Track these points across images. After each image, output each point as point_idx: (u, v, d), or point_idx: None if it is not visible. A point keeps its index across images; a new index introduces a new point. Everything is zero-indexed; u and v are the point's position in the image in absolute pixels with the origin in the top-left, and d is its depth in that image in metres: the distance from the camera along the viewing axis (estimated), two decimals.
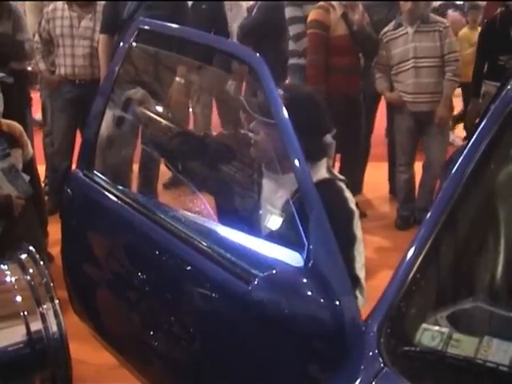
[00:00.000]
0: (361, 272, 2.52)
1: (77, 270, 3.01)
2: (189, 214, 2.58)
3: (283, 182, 2.52)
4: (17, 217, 3.70)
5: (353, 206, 2.59)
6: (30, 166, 3.88)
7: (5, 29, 5.43)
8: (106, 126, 2.91)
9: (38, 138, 6.11)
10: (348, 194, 2.61)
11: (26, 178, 3.73)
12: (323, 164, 2.65)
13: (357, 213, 2.60)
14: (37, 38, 5.77)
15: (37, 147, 5.50)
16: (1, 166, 3.60)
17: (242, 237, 2.29)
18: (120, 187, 2.85)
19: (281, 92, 2.40)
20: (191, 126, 6.45)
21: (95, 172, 2.86)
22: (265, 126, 2.55)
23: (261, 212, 2.66)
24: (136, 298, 2.66)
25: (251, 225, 2.56)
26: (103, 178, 2.84)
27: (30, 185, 3.77)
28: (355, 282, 2.43)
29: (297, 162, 2.04)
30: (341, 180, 2.66)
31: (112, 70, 2.89)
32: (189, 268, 2.33)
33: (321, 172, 2.61)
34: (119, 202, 2.69)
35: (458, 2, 11.18)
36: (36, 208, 3.93)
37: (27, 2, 6.24)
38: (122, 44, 2.86)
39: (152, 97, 4.10)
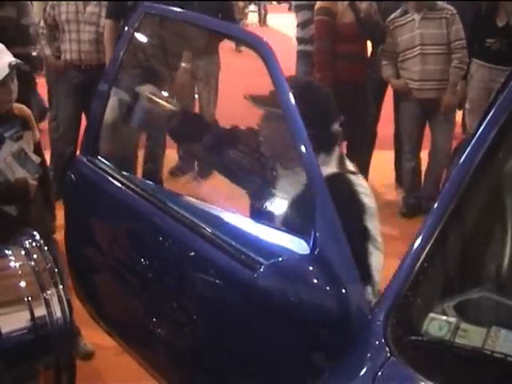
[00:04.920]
0: (375, 270, 2.40)
1: (80, 256, 3.00)
2: (194, 200, 2.57)
3: (295, 176, 2.41)
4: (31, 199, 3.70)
5: (365, 199, 2.49)
6: (37, 149, 3.88)
7: (9, 13, 5.41)
8: (111, 111, 2.89)
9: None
10: (360, 187, 2.51)
11: (37, 159, 3.73)
12: (334, 157, 2.56)
13: (371, 207, 2.51)
14: (42, 23, 5.75)
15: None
16: (11, 150, 3.59)
17: (248, 224, 2.28)
18: (124, 173, 2.84)
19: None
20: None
21: (99, 157, 2.85)
22: (272, 119, 2.51)
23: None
24: (139, 284, 2.66)
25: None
26: (107, 163, 2.82)
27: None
28: (367, 277, 2.32)
29: (303, 149, 2.03)
30: (352, 172, 2.57)
31: (117, 54, 2.88)
32: (194, 255, 2.32)
33: (331, 166, 2.52)
34: (123, 187, 2.69)
35: None
36: (43, 191, 3.92)
37: None
38: (126, 29, 2.84)
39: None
